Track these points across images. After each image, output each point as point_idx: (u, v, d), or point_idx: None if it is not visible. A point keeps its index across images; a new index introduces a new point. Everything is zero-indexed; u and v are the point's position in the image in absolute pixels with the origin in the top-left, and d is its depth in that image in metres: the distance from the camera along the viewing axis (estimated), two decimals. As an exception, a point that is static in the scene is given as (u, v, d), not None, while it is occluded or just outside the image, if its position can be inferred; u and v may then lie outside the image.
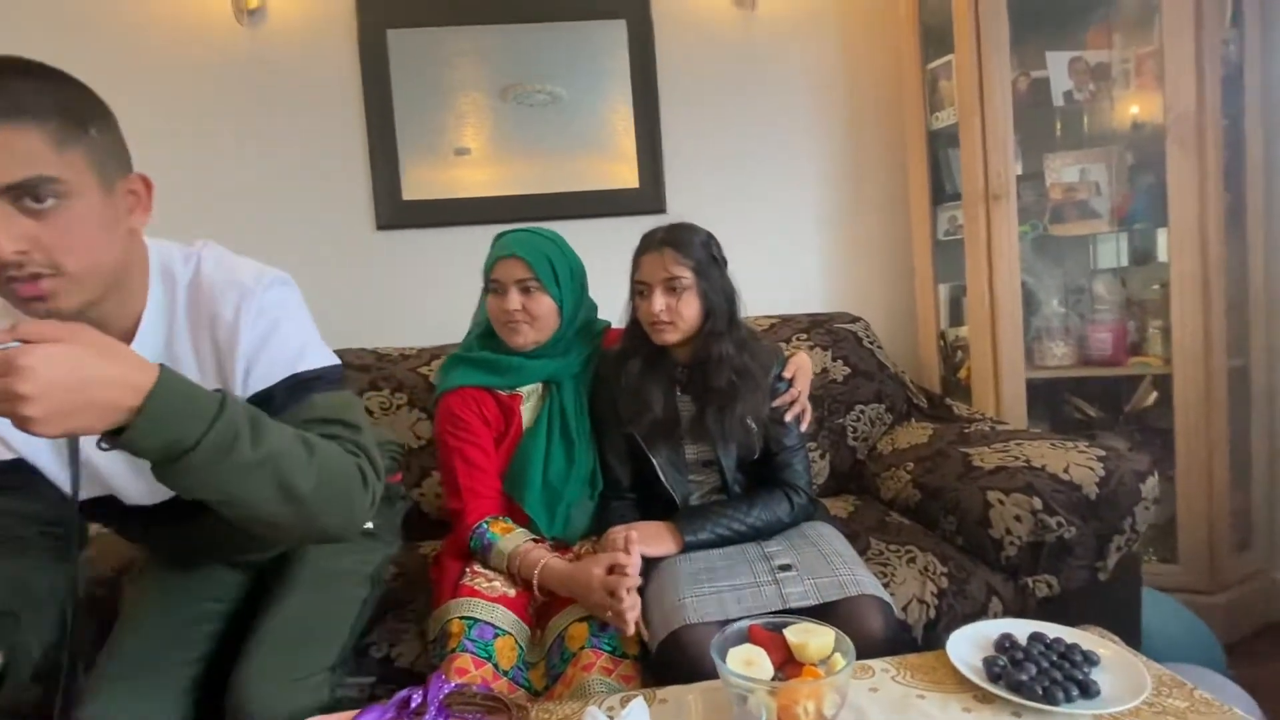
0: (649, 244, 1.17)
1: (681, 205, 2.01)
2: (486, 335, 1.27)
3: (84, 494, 0.82)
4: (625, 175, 2.01)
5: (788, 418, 1.18)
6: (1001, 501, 1.25)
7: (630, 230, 2.00)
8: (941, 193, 1.88)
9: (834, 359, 1.77)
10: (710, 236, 1.18)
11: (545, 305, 1.20)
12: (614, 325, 1.34)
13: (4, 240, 0.63)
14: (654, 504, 1.22)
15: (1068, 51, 1.73)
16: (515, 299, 1.18)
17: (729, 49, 2.00)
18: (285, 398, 0.79)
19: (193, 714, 0.91)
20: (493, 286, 1.21)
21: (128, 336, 0.77)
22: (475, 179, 1.99)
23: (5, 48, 0.68)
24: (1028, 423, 1.73)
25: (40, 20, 1.81)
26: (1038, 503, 1.21)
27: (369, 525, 1.11)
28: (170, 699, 0.90)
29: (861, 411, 1.72)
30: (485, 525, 1.15)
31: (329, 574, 1.04)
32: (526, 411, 1.25)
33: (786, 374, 1.21)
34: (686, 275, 1.13)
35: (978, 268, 1.74)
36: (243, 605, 1.05)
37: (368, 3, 1.88)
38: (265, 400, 0.78)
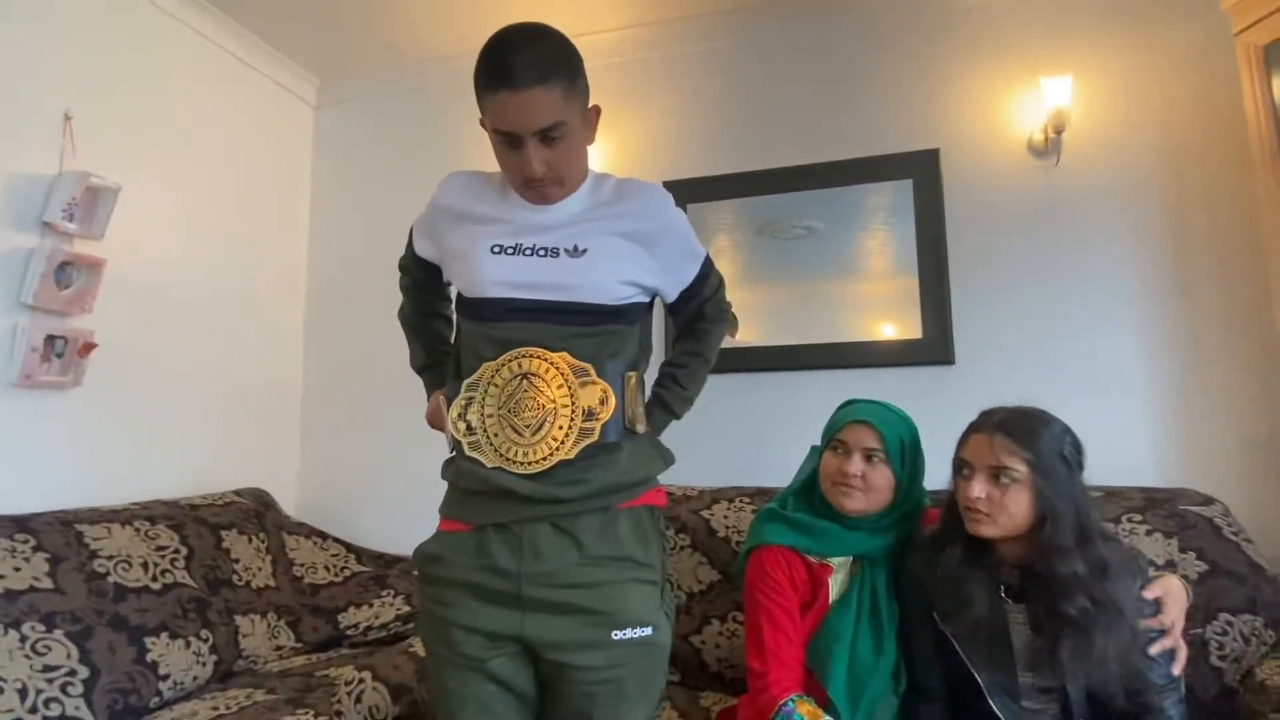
0: (982, 424, 1.11)
1: (972, 358, 1.92)
2: (803, 494, 1.31)
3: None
4: (898, 320, 1.98)
5: (1154, 650, 1.01)
6: None
7: (913, 381, 1.96)
8: (1330, 355, 1.54)
9: (1182, 550, 1.49)
10: (1067, 432, 1.08)
11: (884, 478, 1.21)
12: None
13: (537, 165, 0.93)
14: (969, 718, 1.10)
15: None
16: (858, 464, 1.21)
17: (1027, 201, 1.93)
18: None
19: None
20: (835, 446, 1.25)
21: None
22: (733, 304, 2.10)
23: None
24: None
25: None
26: None
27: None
28: None
29: (1229, 623, 1.40)
30: (792, 705, 1.13)
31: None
32: (835, 585, 1.24)
33: (1150, 594, 1.04)
34: (1019, 469, 1.05)
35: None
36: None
37: (672, 187, 2.16)
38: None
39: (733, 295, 2.09)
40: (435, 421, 1.13)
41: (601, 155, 2.23)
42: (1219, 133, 1.80)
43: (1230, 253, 1.78)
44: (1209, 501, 1.56)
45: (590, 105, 0.99)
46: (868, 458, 1.21)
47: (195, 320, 2.11)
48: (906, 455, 1.22)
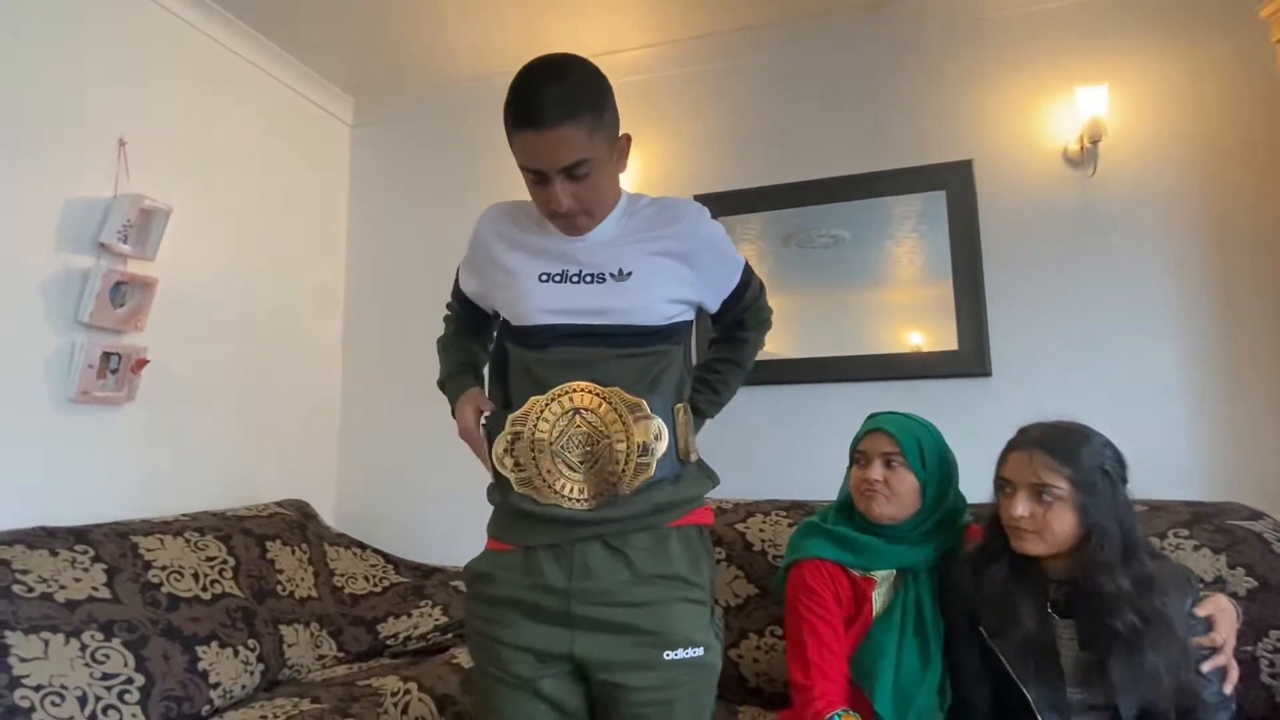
0: (1021, 440, 1.11)
1: (1009, 370, 1.90)
2: (843, 509, 1.33)
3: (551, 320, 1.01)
4: (932, 331, 1.97)
5: (1205, 668, 0.99)
6: None
7: (951, 394, 1.95)
8: (1383, 367, 1.51)
9: (1230, 566, 1.46)
10: (1108, 446, 1.08)
11: (907, 482, 1.22)
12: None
13: (566, 200, 0.94)
14: (1020, 738, 1.09)
15: None
16: (878, 470, 1.23)
17: (1063, 211, 1.92)
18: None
19: None
20: (858, 459, 1.28)
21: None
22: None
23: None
24: None
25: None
26: None
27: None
28: None
29: (1281, 642, 1.37)
30: (838, 718, 1.14)
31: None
32: (879, 598, 1.24)
33: (1201, 611, 1.03)
34: (1061, 486, 1.04)
35: None
36: None
37: (703, 200, 2.19)
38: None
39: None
40: (469, 438, 1.11)
41: (630, 171, 2.26)
42: (1259, 140, 1.78)
43: (1274, 261, 1.76)
44: (1258, 516, 1.53)
45: (621, 134, 1.00)
46: (887, 463, 1.23)
47: (239, 336, 2.17)
48: (927, 457, 1.24)
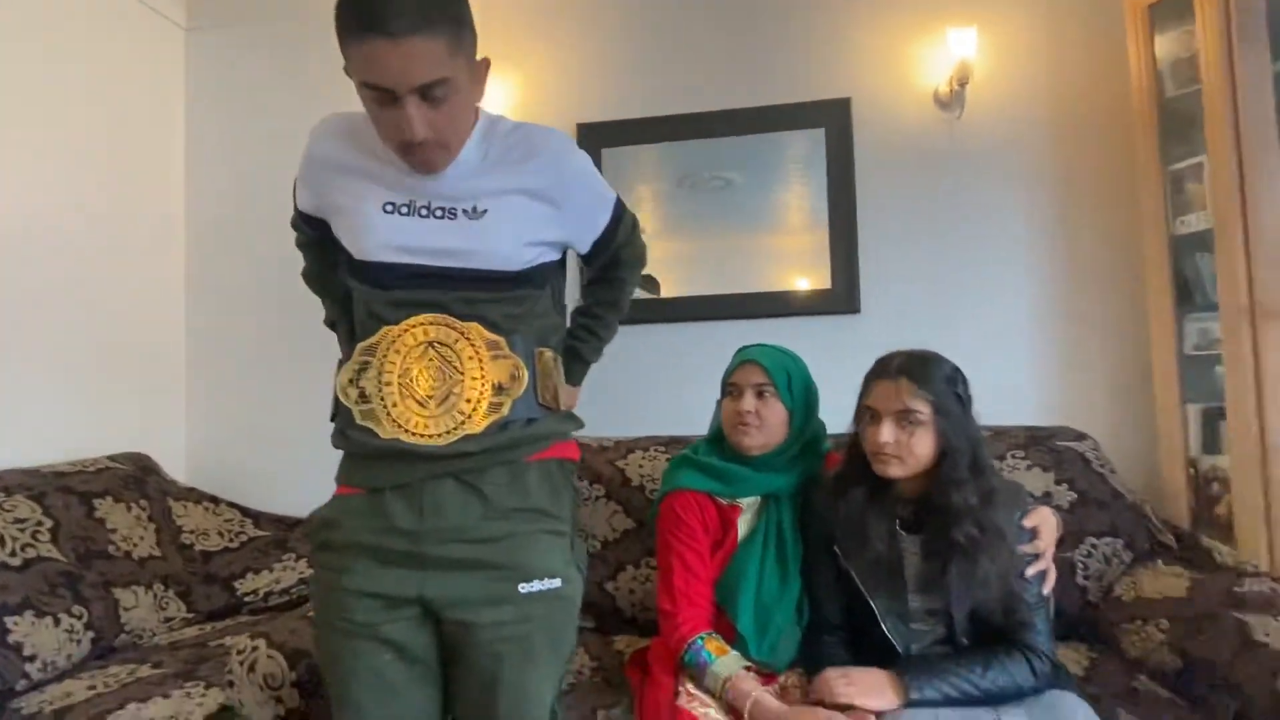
0: (884, 370, 1.14)
1: (877, 307, 1.98)
2: (714, 441, 1.34)
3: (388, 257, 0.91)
4: (812, 272, 2.01)
5: (1029, 573, 1.09)
6: (1303, 695, 1.04)
7: (822, 330, 2.01)
8: (1189, 302, 1.68)
9: (1057, 482, 1.61)
10: (957, 372, 1.13)
11: (778, 413, 1.24)
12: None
13: (421, 128, 0.81)
14: (866, 647, 1.16)
15: (1359, 148, 1.50)
16: (750, 401, 1.24)
17: (932, 153, 1.97)
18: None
19: None
20: (730, 390, 1.29)
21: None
22: (651, 255, 2.06)
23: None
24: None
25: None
26: (1357, 705, 1.00)
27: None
28: None
29: (1093, 546, 1.54)
30: (701, 642, 1.16)
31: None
32: (744, 524, 1.28)
33: (1027, 522, 1.12)
34: (923, 411, 1.08)
35: (1241, 390, 1.52)
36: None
37: (588, 129, 2.09)
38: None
39: (653, 247, 2.10)
40: None
41: (507, 95, 2.11)
42: (1105, 91, 1.89)
43: (1108, 211, 1.90)
44: (1082, 438, 1.70)
45: (479, 59, 0.89)
46: (759, 394, 1.25)
47: (61, 271, 1.88)
48: (795, 387, 1.27)
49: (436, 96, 0.81)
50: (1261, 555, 1.48)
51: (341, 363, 0.95)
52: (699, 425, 1.59)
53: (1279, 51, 1.52)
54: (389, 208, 0.91)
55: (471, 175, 0.92)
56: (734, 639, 1.21)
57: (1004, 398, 1.91)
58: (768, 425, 1.25)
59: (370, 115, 0.87)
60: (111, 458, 1.87)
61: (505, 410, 0.90)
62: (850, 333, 1.95)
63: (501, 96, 2.08)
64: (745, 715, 1.09)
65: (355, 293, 0.95)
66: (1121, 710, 1.17)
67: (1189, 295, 1.68)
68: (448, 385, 0.89)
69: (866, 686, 1.05)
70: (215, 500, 1.99)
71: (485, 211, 0.91)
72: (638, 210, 2.06)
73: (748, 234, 2.06)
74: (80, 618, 1.49)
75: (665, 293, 2.08)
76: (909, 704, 1.04)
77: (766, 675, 1.20)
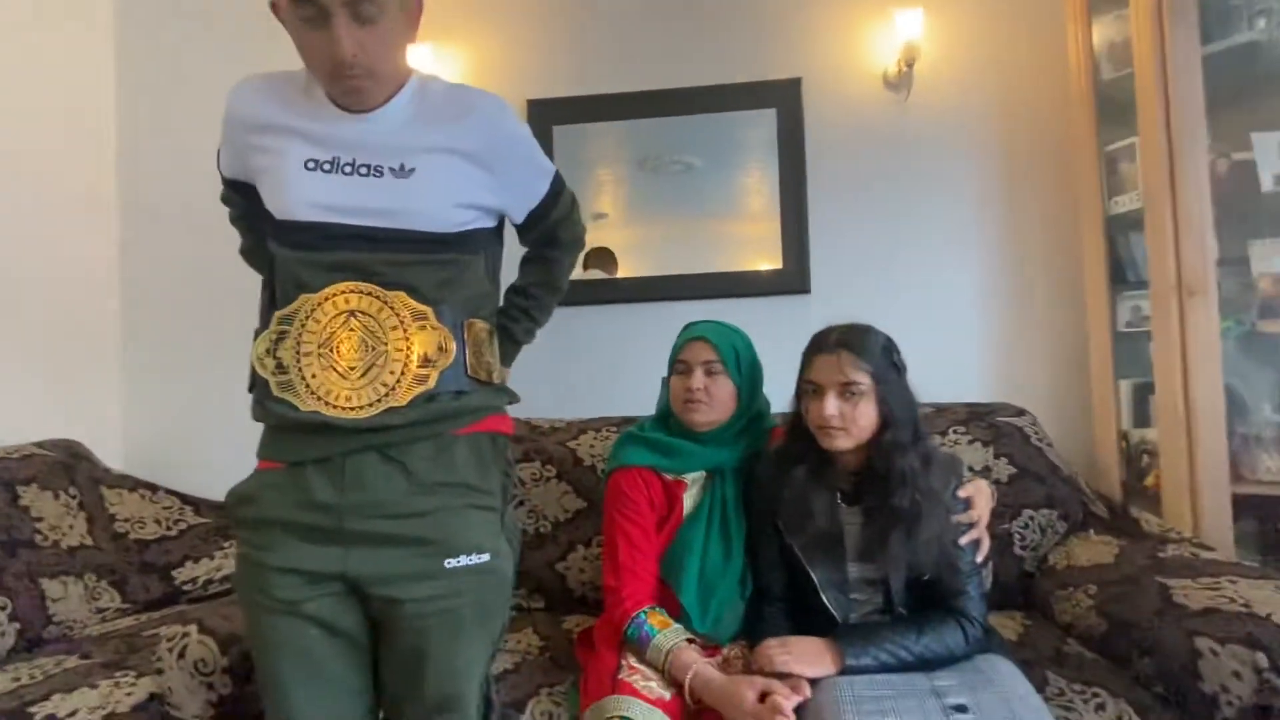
0: (823, 344, 1.15)
1: (827, 286, 1.99)
2: (662, 418, 1.34)
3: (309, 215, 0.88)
4: (768, 255, 2.02)
5: (963, 541, 1.11)
6: (1215, 652, 1.09)
7: (773, 310, 2.02)
8: (1123, 280, 1.73)
9: (996, 456, 1.65)
10: (890, 341, 1.15)
11: (726, 389, 1.25)
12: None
13: (349, 44, 0.81)
14: (807, 617, 1.17)
15: (1278, 132, 1.56)
16: (699, 378, 1.24)
17: (880, 132, 1.99)
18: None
19: None
20: (678, 367, 1.29)
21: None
22: (612, 240, 2.07)
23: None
24: (1233, 547, 1.51)
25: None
26: (1263, 659, 1.05)
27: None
28: None
29: (1030, 518, 1.59)
30: (644, 616, 1.17)
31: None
32: (689, 499, 1.28)
33: (962, 493, 1.14)
34: (864, 381, 1.10)
35: (1168, 365, 1.58)
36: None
37: (538, 106, 2.06)
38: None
39: (612, 230, 2.11)
40: None
41: (453, 68, 2.06)
42: (1047, 74, 1.92)
43: (1049, 191, 1.94)
44: (1021, 413, 1.74)
45: None
46: (707, 370, 1.25)
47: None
48: (743, 363, 1.28)
49: (366, 15, 0.81)
50: (1186, 523, 1.55)
51: (258, 332, 0.92)
52: (648, 405, 1.59)
53: (1209, 35, 1.56)
54: (311, 164, 0.88)
55: (401, 129, 0.90)
56: (679, 613, 1.21)
57: (948, 375, 1.96)
58: (716, 402, 1.26)
59: (299, 46, 0.84)
60: (39, 444, 1.79)
61: (431, 383, 0.88)
62: (799, 312, 1.97)
63: (446, 69, 2.03)
64: (686, 687, 1.09)
65: (277, 257, 0.92)
66: (1050, 672, 1.21)
67: (1122, 274, 1.73)
68: (371, 356, 0.87)
69: (804, 654, 1.07)
70: (153, 487, 1.92)
71: (413, 170, 0.89)
72: (597, 193, 2.07)
73: (707, 218, 2.05)
74: (4, 609, 1.43)
75: (620, 273, 2.07)
76: (845, 670, 1.06)
77: (710, 648, 1.21)
